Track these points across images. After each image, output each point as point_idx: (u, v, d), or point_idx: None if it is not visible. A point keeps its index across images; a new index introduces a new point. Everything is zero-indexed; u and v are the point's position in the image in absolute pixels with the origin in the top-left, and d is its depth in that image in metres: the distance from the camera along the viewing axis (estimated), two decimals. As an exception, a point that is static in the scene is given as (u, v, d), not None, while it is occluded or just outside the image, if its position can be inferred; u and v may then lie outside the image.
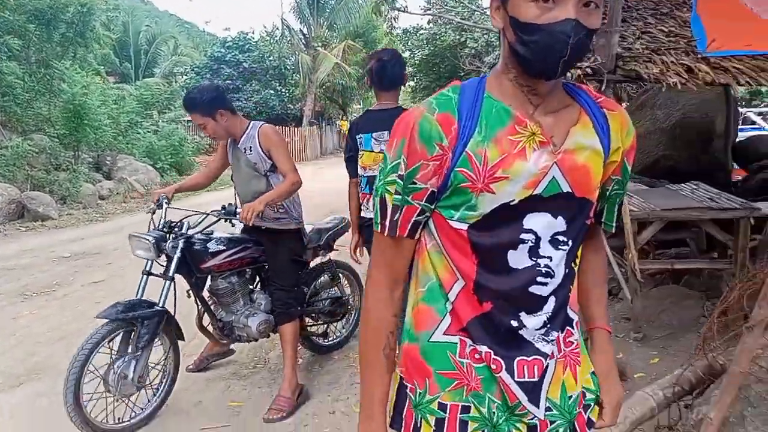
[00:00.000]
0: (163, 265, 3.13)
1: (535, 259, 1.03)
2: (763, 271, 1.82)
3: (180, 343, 3.24)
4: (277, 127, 17.65)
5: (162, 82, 22.47)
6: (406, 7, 10.92)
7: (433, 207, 1.07)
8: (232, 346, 3.85)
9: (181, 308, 3.27)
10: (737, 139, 6.78)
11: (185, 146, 15.69)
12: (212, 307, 3.40)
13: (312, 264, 3.76)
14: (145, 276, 3.09)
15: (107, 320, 2.84)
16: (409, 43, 21.67)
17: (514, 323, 1.05)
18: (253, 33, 26.97)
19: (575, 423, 1.13)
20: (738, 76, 3.11)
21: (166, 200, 3.28)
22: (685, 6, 4.21)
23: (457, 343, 1.08)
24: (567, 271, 1.07)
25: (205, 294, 3.36)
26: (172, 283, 3.08)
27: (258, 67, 23.48)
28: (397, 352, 1.17)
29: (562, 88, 1.09)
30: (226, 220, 3.14)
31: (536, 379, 1.07)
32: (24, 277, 6.16)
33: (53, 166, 11.15)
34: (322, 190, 10.78)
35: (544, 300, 1.05)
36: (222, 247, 3.24)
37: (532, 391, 1.07)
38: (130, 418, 3.02)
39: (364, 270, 1.88)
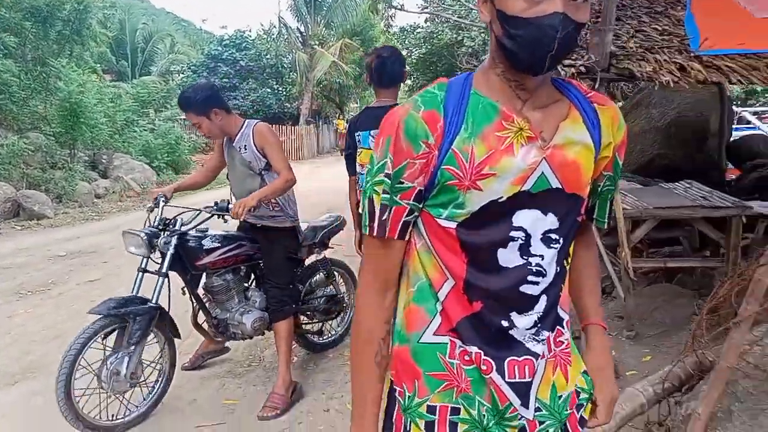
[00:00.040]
0: (158, 263, 3.14)
1: (526, 257, 1.02)
2: (751, 268, 1.83)
3: (176, 341, 3.25)
4: (274, 125, 17.50)
5: (159, 81, 22.46)
6: (403, 5, 10.94)
7: (421, 206, 1.05)
8: (227, 344, 3.86)
9: (178, 306, 3.28)
10: (731, 139, 6.81)
11: (182, 145, 15.70)
12: (207, 305, 3.41)
13: (307, 262, 3.77)
14: (140, 273, 3.10)
15: (100, 316, 2.85)
16: (406, 42, 21.65)
17: (505, 323, 1.04)
18: (250, 31, 27.05)
19: (567, 423, 1.11)
20: (730, 75, 3.13)
21: (163, 198, 3.29)
22: (680, 4, 4.22)
23: (447, 344, 1.07)
24: (558, 269, 1.06)
25: (200, 291, 3.37)
26: (166, 280, 3.09)
27: (255, 66, 23.48)
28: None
29: (551, 83, 1.08)
30: (219, 216, 3.14)
31: (527, 379, 1.05)
32: (19, 275, 6.15)
33: (49, 165, 11.14)
34: (319, 189, 10.80)
35: (535, 299, 1.04)
36: (217, 245, 3.24)
37: (524, 392, 1.05)
38: (125, 415, 3.03)
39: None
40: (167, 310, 3.12)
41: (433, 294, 1.07)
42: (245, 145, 3.19)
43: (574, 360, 1.13)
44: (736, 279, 2.05)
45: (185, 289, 3.27)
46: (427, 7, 16.74)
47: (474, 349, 1.04)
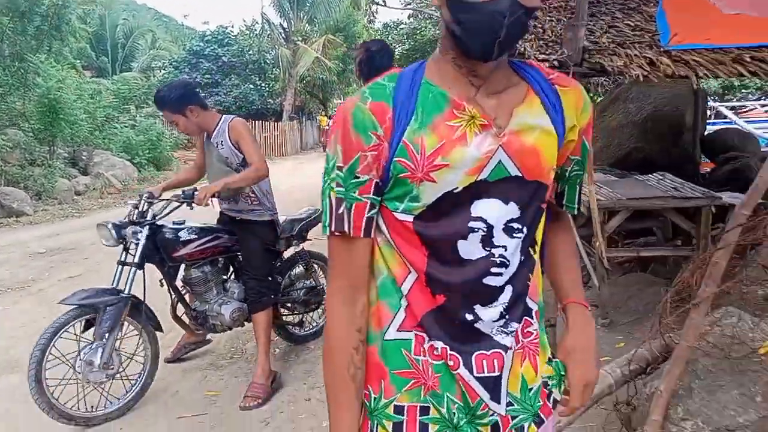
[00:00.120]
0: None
1: (488, 249, 0.99)
2: (710, 252, 1.92)
3: (158, 334, 3.27)
4: (257, 122, 17.42)
5: (140, 77, 22.26)
6: (384, 1, 10.95)
7: (380, 200, 1.02)
8: (208, 336, 3.89)
9: (160, 299, 3.30)
10: (706, 133, 6.97)
11: (163, 141, 15.57)
12: (186, 297, 3.44)
13: (286, 254, 3.81)
14: (120, 266, 3.12)
15: (72, 306, 2.88)
16: (390, 38, 21.64)
17: (469, 316, 1.01)
18: (232, 27, 26.81)
19: (540, 414, 1.08)
20: (697, 69, 3.21)
21: (147, 194, 3.30)
22: (652, 1, 4.31)
23: (411, 340, 1.03)
24: (523, 258, 1.02)
25: (179, 284, 3.40)
26: (139, 271, 3.11)
27: (237, 62, 23.32)
28: None
29: (509, 66, 1.04)
30: (187, 204, 3.17)
31: (496, 373, 1.02)
32: (-2, 272, 6.11)
33: (28, 162, 11.01)
34: (303, 186, 10.81)
35: (499, 290, 1.01)
36: (194, 236, 3.27)
37: (493, 386, 1.02)
38: (105, 406, 3.05)
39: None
40: (143, 300, 3.14)
41: (396, 289, 1.03)
42: (221, 141, 3.22)
43: (541, 350, 1.10)
44: (698, 263, 2.14)
45: (163, 281, 3.30)
46: (410, 3, 16.78)
47: (440, 344, 1.01)
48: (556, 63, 3.42)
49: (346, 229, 1.00)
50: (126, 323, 3.06)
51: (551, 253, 1.18)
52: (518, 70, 1.05)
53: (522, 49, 3.75)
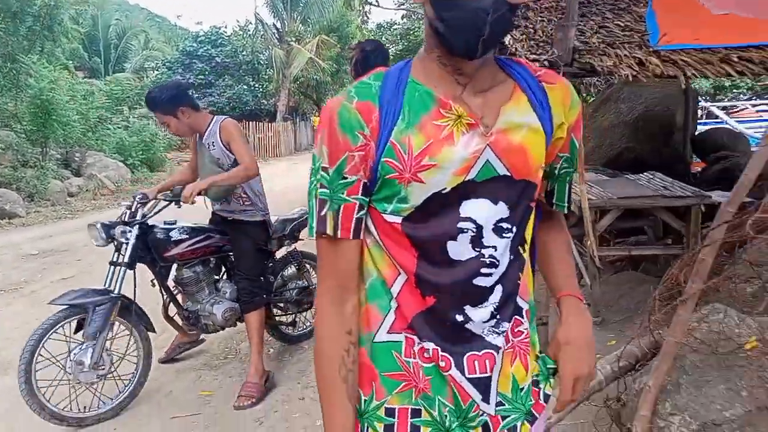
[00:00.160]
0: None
1: (478, 249, 0.98)
2: (697, 251, 1.95)
3: (152, 335, 3.27)
4: (251, 122, 17.35)
5: (132, 77, 22.18)
6: (378, 1, 10.98)
7: (368, 201, 1.00)
8: (202, 336, 3.89)
9: (153, 300, 3.29)
10: (696, 132, 7.03)
11: (157, 142, 15.51)
12: (178, 297, 3.45)
13: (278, 255, 3.82)
14: (111, 267, 3.12)
15: (63, 307, 2.89)
16: (383, 39, 21.69)
17: (460, 317, 1.00)
18: (225, 27, 26.81)
19: (533, 412, 1.08)
20: (685, 69, 3.25)
21: (140, 195, 3.30)
22: (642, 1, 4.35)
23: (402, 342, 1.02)
24: (513, 257, 1.02)
25: (171, 284, 3.41)
26: (129, 271, 3.11)
27: (231, 62, 23.27)
28: None
29: (496, 63, 1.03)
30: (175, 204, 3.17)
31: (488, 374, 1.02)
32: (-9, 274, 6.09)
33: (20, 163, 10.95)
34: (297, 186, 10.79)
35: (489, 291, 1.01)
36: (185, 236, 3.28)
37: (485, 387, 1.02)
38: (98, 407, 3.05)
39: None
40: (134, 299, 3.14)
41: (385, 290, 1.02)
42: (213, 142, 3.23)
43: (531, 350, 1.10)
44: (686, 261, 2.17)
45: (155, 281, 3.30)
46: (403, 4, 16.82)
47: (431, 346, 1.00)
48: (546, 63, 3.45)
49: (329, 231, 0.99)
50: (117, 323, 3.07)
51: (544, 248, 1.17)
52: (504, 67, 1.04)
53: (513, 50, 3.78)
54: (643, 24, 3.88)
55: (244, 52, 24.00)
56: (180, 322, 3.54)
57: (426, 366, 1.01)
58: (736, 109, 13.94)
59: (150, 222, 3.22)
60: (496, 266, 0.99)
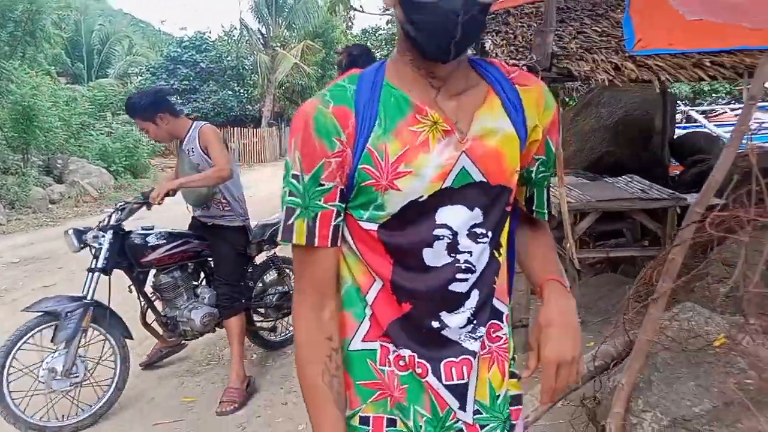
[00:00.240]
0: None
1: (454, 255, 0.97)
2: (668, 251, 2.00)
3: (131, 342, 3.24)
4: (236, 128, 17.25)
5: (116, 83, 22.00)
6: (362, 6, 11.02)
7: (345, 208, 0.98)
8: (184, 341, 3.88)
9: (132, 308, 3.27)
10: (675, 136, 7.15)
11: (140, 148, 15.38)
12: (156, 304, 3.43)
13: (258, 261, 3.82)
14: (90, 273, 3.10)
15: (38, 314, 2.88)
16: (368, 44, 21.79)
17: (436, 324, 0.99)
18: (210, 33, 26.70)
19: (511, 420, 1.07)
20: (659, 73, 3.33)
21: (122, 203, 3.29)
22: (620, 7, 4.44)
23: (377, 350, 1.01)
24: (489, 260, 1.01)
25: (149, 290, 3.39)
26: (102, 276, 3.09)
27: (215, 68, 23.20)
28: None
29: (470, 65, 1.01)
30: (146, 206, 3.17)
31: (465, 380, 1.00)
32: (-30, 282, 6.01)
33: (1, 170, 10.81)
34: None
35: (465, 296, 0.99)
36: (162, 242, 3.28)
37: (461, 394, 1.01)
38: (77, 414, 3.02)
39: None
40: (108, 305, 3.11)
41: (360, 298, 1.01)
42: (192, 148, 3.24)
43: (509, 355, 1.08)
44: (658, 261, 2.22)
45: (132, 287, 3.29)
46: (387, 10, 16.90)
47: (407, 353, 0.99)
48: (525, 68, 3.50)
49: (295, 240, 0.96)
50: (91, 330, 3.04)
51: (527, 248, 1.15)
52: (477, 68, 1.02)
53: (494, 55, 3.83)
54: (619, 30, 3.95)
55: (228, 58, 23.94)
56: (158, 329, 3.52)
57: (402, 374, 1.00)
58: (715, 113, 14.17)
59: (127, 228, 3.21)
60: (472, 271, 0.99)
